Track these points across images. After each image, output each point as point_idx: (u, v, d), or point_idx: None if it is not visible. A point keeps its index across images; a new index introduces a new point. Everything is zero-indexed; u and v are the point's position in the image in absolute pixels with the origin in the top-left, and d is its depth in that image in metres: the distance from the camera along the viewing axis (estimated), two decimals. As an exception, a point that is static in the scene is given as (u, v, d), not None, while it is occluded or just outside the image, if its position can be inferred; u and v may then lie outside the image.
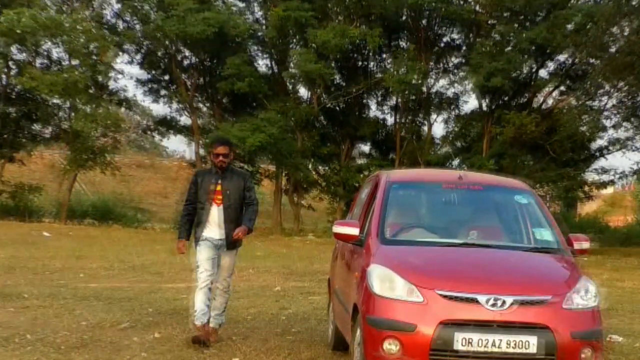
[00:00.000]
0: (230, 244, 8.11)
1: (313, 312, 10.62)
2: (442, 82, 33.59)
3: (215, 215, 8.08)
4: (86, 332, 8.42)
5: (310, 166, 34.05)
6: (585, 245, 6.55)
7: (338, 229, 6.64)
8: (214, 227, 8.08)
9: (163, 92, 34.57)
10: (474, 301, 5.42)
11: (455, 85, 33.33)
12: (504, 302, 5.43)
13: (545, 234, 6.60)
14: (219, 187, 8.10)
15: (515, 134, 29.03)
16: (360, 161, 35.87)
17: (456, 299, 5.44)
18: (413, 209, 7.18)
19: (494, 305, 5.42)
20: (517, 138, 29.29)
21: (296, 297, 12.15)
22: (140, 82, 33.89)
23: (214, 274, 8.02)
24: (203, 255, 8.02)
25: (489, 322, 5.39)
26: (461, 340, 5.35)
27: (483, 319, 5.39)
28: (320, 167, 35.28)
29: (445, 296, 5.45)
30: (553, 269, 6.17)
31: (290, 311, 10.66)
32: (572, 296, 5.67)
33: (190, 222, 8.21)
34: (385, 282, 5.67)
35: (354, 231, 6.57)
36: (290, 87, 33.45)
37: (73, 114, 30.84)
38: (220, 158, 8.10)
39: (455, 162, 33.66)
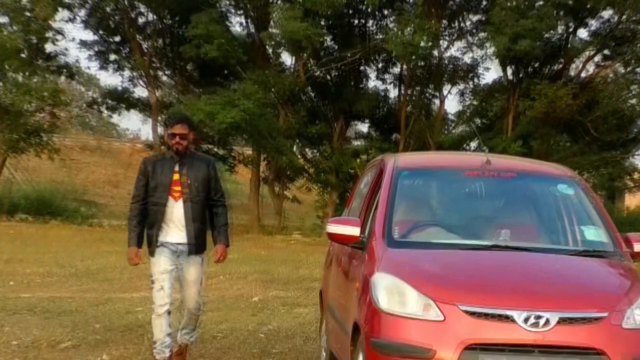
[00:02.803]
0: (197, 248, 8.01)
1: (299, 329, 10.69)
2: (457, 46, 33.63)
3: (174, 212, 7.95)
4: (17, 354, 8.45)
5: (295, 149, 34.17)
6: None
7: (333, 228, 6.60)
8: (172, 228, 7.96)
9: (113, 57, 34.55)
10: (508, 319, 5.37)
11: (474, 50, 33.33)
12: (546, 320, 5.37)
13: (596, 233, 6.58)
14: (177, 177, 7.97)
15: (546, 110, 29.02)
16: (357, 143, 36.06)
17: (485, 316, 5.39)
18: (427, 202, 7.18)
19: (533, 324, 5.36)
20: (549, 114, 29.26)
21: (278, 310, 12.25)
22: (84, 44, 33.81)
23: (172, 293, 7.95)
24: (158, 267, 7.91)
25: (526, 346, 5.33)
26: (491, 369, 5.30)
27: (519, 341, 5.34)
28: (307, 151, 35.48)
29: (470, 312, 5.40)
30: (608, 278, 6.16)
31: (270, 327, 10.75)
32: (633, 312, 5.60)
33: (142, 225, 8.07)
34: (394, 294, 5.63)
35: (353, 231, 6.53)
36: (271, 52, 33.39)
37: (1, 84, 30.65)
38: (178, 139, 7.95)
39: (473, 144, 33.71)
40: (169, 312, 7.90)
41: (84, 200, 37.79)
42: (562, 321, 5.37)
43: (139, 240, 8.06)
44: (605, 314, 5.48)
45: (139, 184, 8.08)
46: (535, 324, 5.33)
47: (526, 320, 5.34)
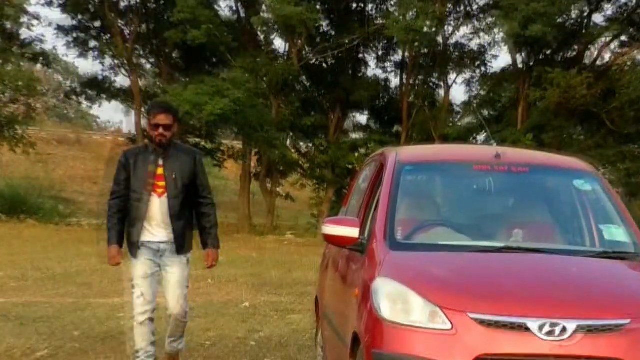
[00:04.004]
0: (181, 247, 7.96)
1: (292, 336, 10.71)
2: (464, 31, 33.65)
3: (157, 209, 7.90)
4: (-12, 365, 8.53)
5: (288, 142, 34.36)
6: None
7: (330, 228, 6.55)
8: (154, 226, 7.93)
9: (93, 44, 34.50)
10: (523, 328, 5.29)
11: (481, 35, 33.46)
12: (564, 328, 5.29)
13: (618, 233, 6.54)
14: (160, 171, 7.92)
15: (560, 100, 29.04)
16: (355, 136, 36.13)
17: (497, 325, 5.30)
18: (433, 200, 7.19)
19: (550, 333, 5.28)
20: (564, 104, 29.29)
21: (270, 316, 12.28)
22: (62, 30, 33.78)
23: (155, 299, 7.93)
24: (139, 270, 7.89)
25: (544, 357, 5.27)
26: (505, 383, 5.28)
27: (536, 352, 5.26)
28: (301, 144, 35.66)
29: (482, 321, 5.32)
30: (630, 282, 6.08)
31: (262, 334, 10.79)
32: (658, 320, 5.56)
33: (122, 222, 8.04)
34: (398, 302, 5.55)
35: (352, 232, 6.48)
36: (262, 37, 33.56)
37: (-29, 73, 30.62)
38: (161, 130, 7.88)
39: (481, 136, 33.79)
40: (151, 320, 7.89)
41: (62, 198, 37.90)
42: (580, 330, 5.29)
43: (120, 239, 8.01)
44: (627, 322, 5.40)
45: (119, 178, 8.02)
46: (552, 333, 5.26)
47: (541, 328, 5.27)
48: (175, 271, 7.97)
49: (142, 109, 32.88)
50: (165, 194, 7.88)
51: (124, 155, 8.18)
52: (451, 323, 5.33)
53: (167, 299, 8.01)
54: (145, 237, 7.89)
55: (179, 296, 7.98)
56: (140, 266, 7.88)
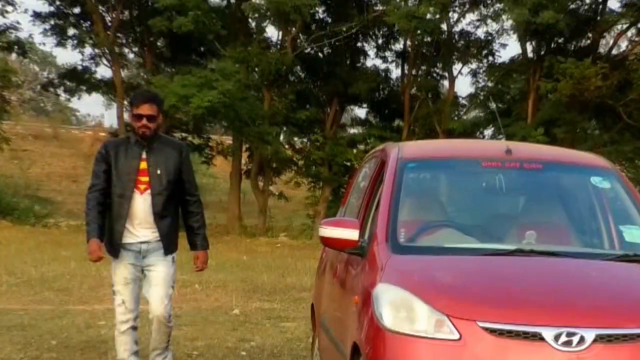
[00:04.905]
0: (166, 248, 7.93)
1: (286, 346, 10.73)
2: (470, 18, 33.61)
3: (139, 207, 7.85)
4: (-41, 377, 8.57)
5: (282, 137, 34.32)
6: None
7: (327, 230, 6.52)
8: (136, 225, 7.87)
9: (72, 31, 34.49)
10: (537, 338, 5.24)
11: (488, 22, 33.41)
12: (582, 338, 5.25)
13: (638, 235, 6.54)
14: (143, 165, 7.86)
15: (572, 92, 29.09)
16: (354, 131, 36.22)
17: (509, 334, 5.27)
18: (438, 199, 7.19)
19: (567, 343, 5.24)
20: (577, 97, 29.37)
21: (262, 324, 12.30)
22: (39, 17, 33.80)
23: (137, 307, 7.90)
24: (119, 276, 7.85)
25: None
26: (518, 399, 5.26)
27: None
28: (296, 139, 35.68)
29: (492, 331, 5.28)
30: None
31: (253, 344, 10.80)
32: (683, 328, 5.54)
33: (103, 216, 7.93)
34: (401, 310, 5.51)
35: (351, 234, 6.43)
36: (254, 25, 33.57)
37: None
38: (144, 121, 7.81)
39: (488, 131, 33.82)
40: (134, 328, 7.88)
41: (39, 197, 37.98)
42: (599, 339, 5.25)
43: (101, 233, 7.88)
44: (651, 331, 5.43)
45: (98, 171, 7.94)
46: (569, 343, 5.22)
47: (557, 338, 5.23)
48: (159, 269, 7.90)
49: (125, 102, 32.87)
50: (149, 191, 7.82)
51: (104, 146, 8.10)
52: (459, 332, 5.29)
53: (149, 300, 7.92)
54: (126, 238, 7.83)
55: (163, 296, 7.88)
56: (120, 271, 7.83)
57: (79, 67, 35.20)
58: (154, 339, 8.01)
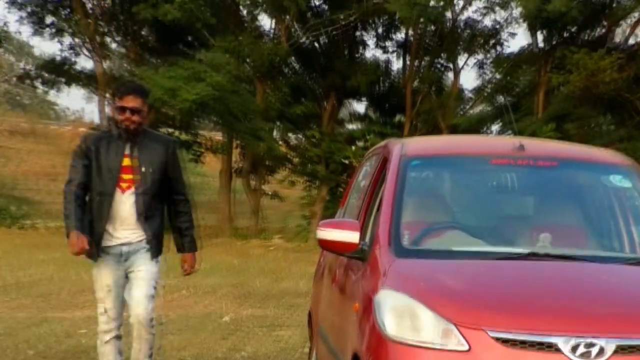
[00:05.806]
0: (151, 250, 7.86)
1: (280, 355, 10.79)
2: (476, 5, 33.66)
3: (122, 206, 7.79)
4: None
5: (276, 133, 34.47)
6: None
7: (325, 233, 6.49)
8: (118, 227, 7.80)
9: (50, 19, 34.55)
10: (553, 348, 5.21)
11: (496, 11, 33.58)
12: (601, 349, 5.21)
13: None
14: (127, 161, 7.80)
15: (585, 85, 29.18)
16: (352, 126, 36.28)
17: (522, 344, 5.22)
18: (444, 199, 7.18)
19: (585, 354, 5.19)
20: (590, 90, 29.48)
21: (254, 332, 12.34)
22: (14, 4, 33.87)
23: (121, 315, 7.87)
24: (101, 281, 7.81)
25: None
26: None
27: None
28: (291, 135, 35.83)
29: (502, 340, 5.24)
30: None
31: (245, 353, 10.85)
32: None
33: (82, 209, 7.79)
34: (405, 317, 5.48)
35: (351, 236, 6.40)
36: (246, 13, 33.69)
37: None
38: (128, 114, 7.76)
39: (495, 127, 33.85)
40: (118, 337, 7.85)
41: (14, 197, 38.18)
42: (620, 350, 5.21)
43: (81, 225, 7.69)
44: (675, 341, 5.41)
45: (77, 165, 7.84)
46: (587, 354, 5.18)
47: (575, 349, 5.19)
48: (141, 267, 7.81)
49: (107, 95, 32.87)
50: (132, 189, 7.75)
51: (84, 139, 8.02)
52: (467, 342, 5.26)
53: (128, 301, 7.82)
54: (106, 241, 7.77)
55: (144, 295, 7.75)
56: (101, 278, 7.79)
57: (58, 58, 35.32)
58: (134, 348, 7.87)
